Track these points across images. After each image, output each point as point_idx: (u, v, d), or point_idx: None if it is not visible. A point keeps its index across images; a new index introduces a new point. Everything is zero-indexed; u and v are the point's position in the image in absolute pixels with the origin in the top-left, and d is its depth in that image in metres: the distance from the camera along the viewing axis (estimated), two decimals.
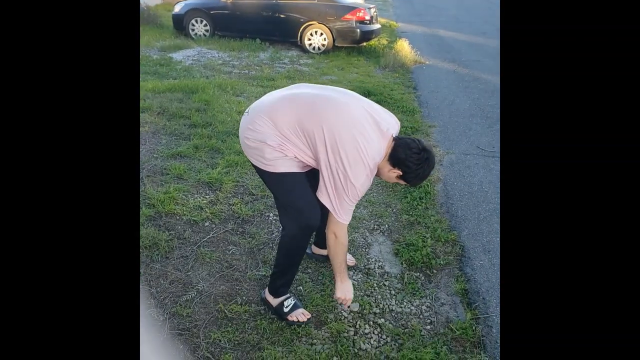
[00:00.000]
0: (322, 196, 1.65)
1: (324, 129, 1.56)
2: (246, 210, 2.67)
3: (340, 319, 1.94)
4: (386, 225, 2.69)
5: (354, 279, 2.20)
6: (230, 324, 1.87)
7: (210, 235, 2.44)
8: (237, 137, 3.66)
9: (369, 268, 2.29)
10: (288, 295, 1.90)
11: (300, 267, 2.04)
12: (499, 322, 1.98)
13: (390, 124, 1.69)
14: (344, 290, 1.87)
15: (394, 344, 1.84)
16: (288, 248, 1.80)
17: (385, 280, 2.22)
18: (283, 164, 1.64)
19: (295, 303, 1.90)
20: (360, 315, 1.98)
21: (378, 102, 4.82)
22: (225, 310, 1.93)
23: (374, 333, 1.89)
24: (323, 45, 7.50)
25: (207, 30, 7.96)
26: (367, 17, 7.42)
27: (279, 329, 1.85)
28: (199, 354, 1.72)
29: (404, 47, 7.52)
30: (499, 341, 1.88)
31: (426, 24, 11.47)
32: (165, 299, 1.98)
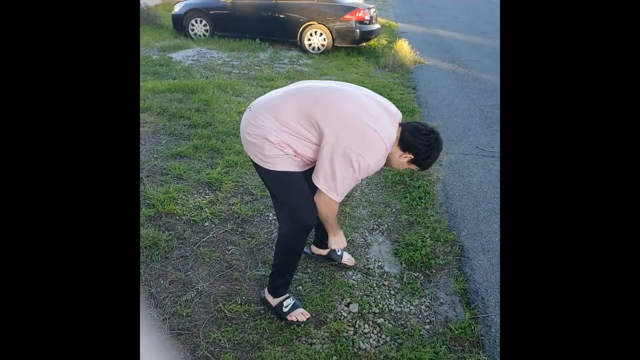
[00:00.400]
0: (320, 177, 1.61)
1: (333, 114, 1.57)
2: (246, 210, 2.67)
3: (339, 319, 1.94)
4: (385, 225, 2.70)
5: (353, 279, 2.20)
6: (229, 324, 1.87)
7: (210, 235, 2.44)
8: (237, 137, 3.67)
9: (369, 268, 2.30)
10: (287, 295, 1.90)
11: (299, 267, 2.05)
12: (497, 321, 1.98)
13: (396, 110, 1.74)
14: (337, 242, 1.90)
15: (393, 344, 1.84)
16: (285, 247, 1.80)
17: (385, 280, 2.22)
18: (282, 162, 1.63)
19: (294, 303, 1.90)
20: (359, 315, 1.98)
21: None
22: (225, 310, 1.93)
23: (373, 333, 1.89)
24: (323, 45, 7.50)
25: (206, 31, 7.97)
26: (367, 17, 7.42)
27: (278, 329, 1.85)
28: (199, 353, 1.72)
29: (403, 47, 7.52)
30: (497, 341, 1.88)
31: (426, 24, 11.47)
32: (165, 298, 1.98)
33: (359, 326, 1.92)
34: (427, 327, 1.95)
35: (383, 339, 1.87)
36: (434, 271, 2.31)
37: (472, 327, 1.94)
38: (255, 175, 3.09)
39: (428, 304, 2.08)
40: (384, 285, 2.19)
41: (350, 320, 1.94)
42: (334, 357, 1.75)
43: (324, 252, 2.25)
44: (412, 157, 1.69)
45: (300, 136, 1.61)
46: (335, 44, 7.47)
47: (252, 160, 1.73)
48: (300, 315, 1.88)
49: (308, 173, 1.71)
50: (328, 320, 1.93)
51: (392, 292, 2.14)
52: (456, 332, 1.91)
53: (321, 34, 7.45)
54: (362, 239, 2.54)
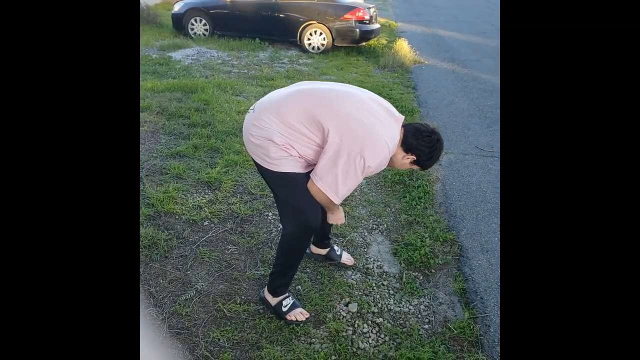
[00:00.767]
0: (321, 176, 1.59)
1: (337, 116, 1.57)
2: (245, 210, 2.67)
3: (338, 318, 1.94)
4: (385, 225, 2.70)
5: (352, 279, 2.20)
6: (229, 323, 1.87)
7: (209, 234, 2.44)
8: (237, 136, 3.67)
9: (368, 268, 2.30)
10: (287, 294, 1.90)
11: (298, 266, 2.04)
12: (496, 321, 1.98)
13: (398, 113, 1.75)
14: (335, 218, 1.89)
15: (392, 343, 1.85)
16: (288, 248, 1.80)
17: (384, 280, 2.22)
18: (287, 163, 1.63)
19: (293, 302, 1.90)
20: (358, 314, 1.98)
21: None
22: (224, 310, 1.93)
23: (372, 332, 1.90)
24: (322, 44, 7.50)
25: (206, 30, 7.96)
26: (367, 17, 7.42)
27: (277, 328, 1.85)
28: (198, 352, 1.72)
29: (403, 47, 7.52)
30: (496, 340, 1.88)
31: (425, 24, 11.47)
32: (165, 298, 1.98)
33: (358, 326, 1.92)
34: (426, 326, 1.95)
35: (382, 338, 1.87)
36: (433, 271, 2.31)
37: (471, 327, 1.94)
38: (255, 174, 3.09)
39: (427, 303, 2.08)
40: (383, 284, 2.19)
41: (349, 320, 1.95)
42: (333, 357, 1.75)
43: (323, 251, 2.25)
44: (415, 158, 1.71)
45: (304, 137, 1.61)
46: (335, 44, 7.47)
47: (254, 162, 1.73)
48: (299, 314, 1.88)
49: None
50: (327, 319, 1.93)
51: (391, 291, 2.14)
52: (455, 331, 1.91)
53: (321, 34, 7.45)
54: (361, 239, 2.54)
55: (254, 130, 1.64)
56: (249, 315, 1.92)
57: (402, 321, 1.97)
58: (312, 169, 1.68)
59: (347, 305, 2.03)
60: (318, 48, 7.54)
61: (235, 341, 1.79)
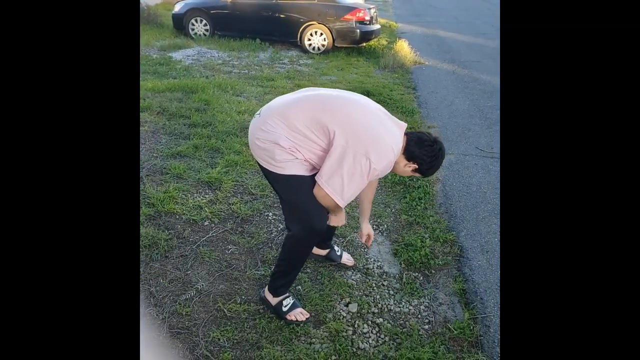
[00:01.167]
0: (327, 179, 1.59)
1: (343, 120, 1.59)
2: (245, 210, 2.68)
3: (338, 319, 1.94)
4: (385, 226, 2.70)
5: (352, 279, 2.20)
6: (229, 323, 1.87)
7: (210, 234, 2.44)
8: (237, 136, 3.68)
9: (368, 268, 2.30)
10: (287, 294, 1.90)
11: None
12: (496, 322, 1.99)
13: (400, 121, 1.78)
14: (336, 220, 1.88)
15: (392, 344, 1.85)
16: (293, 250, 1.80)
17: (384, 280, 2.22)
18: (293, 166, 1.64)
19: (294, 302, 1.90)
20: (358, 314, 1.98)
21: (377, 102, 4.81)
22: (225, 309, 1.93)
23: (372, 332, 1.90)
24: (323, 45, 7.51)
25: (207, 30, 7.97)
26: (367, 18, 7.42)
27: (277, 328, 1.86)
28: (198, 352, 1.73)
29: (403, 48, 7.52)
30: (496, 341, 1.88)
31: (426, 25, 11.48)
32: (165, 297, 1.98)
33: (358, 326, 1.92)
34: (426, 327, 1.95)
35: (382, 338, 1.87)
36: (433, 271, 2.31)
37: (471, 328, 1.94)
38: (255, 175, 3.10)
39: (427, 304, 2.08)
40: (383, 285, 2.19)
41: (350, 320, 1.95)
42: (333, 357, 1.75)
43: (323, 252, 2.26)
44: (417, 166, 1.74)
45: (310, 142, 1.62)
46: (336, 44, 7.48)
47: (260, 165, 1.74)
48: (299, 314, 1.88)
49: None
50: (327, 319, 1.93)
51: (391, 292, 2.15)
52: (455, 332, 1.91)
53: (321, 34, 7.45)
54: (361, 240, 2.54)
55: (260, 134, 1.66)
56: (249, 315, 1.92)
57: (402, 321, 1.97)
58: (318, 172, 1.69)
59: (347, 305, 2.03)
60: (318, 49, 7.54)
61: (235, 341, 1.79)
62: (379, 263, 2.35)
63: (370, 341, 1.85)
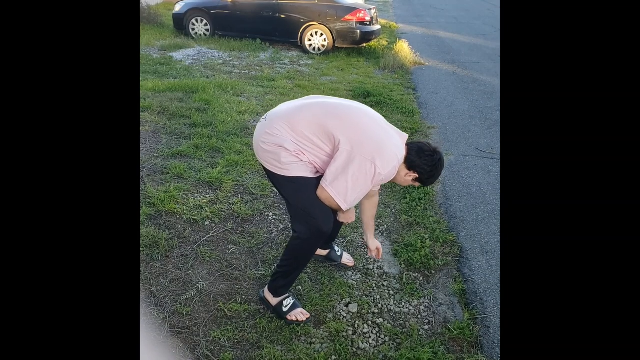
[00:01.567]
0: (332, 182, 1.61)
1: (348, 127, 1.63)
2: (246, 210, 2.68)
3: (338, 319, 1.95)
4: (385, 226, 2.70)
5: (353, 279, 2.21)
6: (229, 323, 1.88)
7: (210, 234, 2.45)
8: (238, 136, 3.68)
9: (368, 268, 2.31)
10: (287, 294, 1.91)
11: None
12: (496, 322, 1.99)
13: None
14: (345, 217, 1.92)
15: (392, 344, 1.85)
16: (298, 251, 1.80)
17: (384, 281, 2.23)
18: (298, 168, 1.65)
19: (294, 302, 1.90)
20: (358, 314, 1.99)
21: (377, 103, 4.86)
22: (225, 309, 1.94)
23: (372, 332, 1.90)
24: (323, 45, 7.51)
25: (207, 30, 7.97)
26: (368, 18, 7.43)
27: (278, 328, 1.86)
28: (199, 352, 1.73)
29: (403, 48, 7.53)
30: (496, 341, 1.89)
31: (426, 25, 11.48)
32: (165, 297, 1.99)
33: (358, 326, 1.92)
34: (426, 327, 1.96)
35: (382, 338, 1.88)
36: (433, 272, 2.31)
37: (471, 328, 1.95)
38: (256, 175, 3.10)
39: (427, 304, 2.09)
40: (384, 285, 2.19)
41: (350, 320, 1.95)
42: (333, 357, 1.76)
43: (324, 252, 2.26)
44: (417, 176, 1.77)
45: (315, 147, 1.65)
46: (336, 45, 7.48)
47: (265, 169, 1.75)
48: (299, 314, 1.89)
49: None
50: (327, 319, 1.93)
51: (392, 292, 2.15)
52: (455, 332, 1.92)
53: (322, 35, 7.46)
54: (361, 240, 2.55)
55: (266, 137, 1.68)
56: (249, 315, 1.92)
57: (402, 322, 1.98)
58: (322, 175, 1.70)
59: (347, 305, 2.03)
60: (319, 49, 7.55)
61: (235, 341, 1.80)
62: (379, 263, 2.35)
63: (371, 341, 1.86)
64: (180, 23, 8.02)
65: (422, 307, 2.07)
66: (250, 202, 2.80)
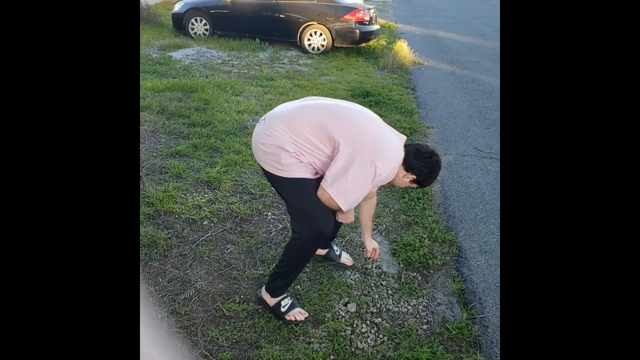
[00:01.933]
0: (332, 183, 1.60)
1: (348, 128, 1.63)
2: (245, 210, 2.68)
3: (337, 318, 1.95)
4: (384, 226, 2.70)
5: (351, 279, 2.21)
6: (228, 323, 1.88)
7: (209, 234, 2.44)
8: (237, 136, 3.68)
9: (367, 268, 2.31)
10: (285, 294, 1.91)
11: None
12: (495, 322, 1.99)
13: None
14: (344, 217, 1.89)
15: (391, 343, 1.85)
16: (297, 252, 1.79)
17: (383, 280, 2.23)
18: (298, 169, 1.65)
19: (292, 302, 1.90)
20: (357, 314, 1.99)
21: (376, 102, 4.86)
22: (223, 309, 1.94)
23: (371, 332, 1.90)
24: (322, 45, 7.51)
25: (206, 30, 7.96)
26: (367, 18, 7.43)
27: (276, 328, 1.86)
28: (197, 352, 1.73)
29: (402, 48, 7.53)
30: (494, 341, 1.89)
31: (425, 25, 11.49)
32: (164, 297, 1.99)
33: (357, 326, 1.92)
34: (425, 327, 1.96)
35: (380, 338, 1.88)
36: (431, 271, 2.32)
37: (470, 328, 1.95)
38: (255, 174, 3.10)
39: (425, 304, 2.09)
40: (382, 285, 2.19)
41: (348, 320, 1.95)
42: (332, 356, 1.76)
43: (322, 252, 2.26)
44: (415, 177, 1.78)
45: (315, 149, 1.65)
46: (335, 45, 7.48)
47: (264, 170, 1.75)
48: (298, 314, 1.88)
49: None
50: (326, 319, 1.93)
51: (390, 292, 2.15)
52: (453, 332, 1.92)
53: (321, 34, 7.46)
54: (360, 239, 2.55)
55: (265, 139, 1.67)
56: (248, 315, 1.92)
57: (400, 321, 1.98)
58: (322, 176, 1.70)
59: (346, 305, 2.03)
60: (318, 49, 7.55)
61: (234, 340, 1.79)
62: (378, 263, 2.35)
63: (369, 341, 1.86)
64: (180, 23, 8.01)
65: (420, 307, 2.07)
66: (249, 201, 2.80)
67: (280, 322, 1.88)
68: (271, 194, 2.87)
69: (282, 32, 7.68)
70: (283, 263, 1.85)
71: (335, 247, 2.29)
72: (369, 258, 2.17)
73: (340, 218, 1.91)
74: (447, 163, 3.62)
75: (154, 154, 3.29)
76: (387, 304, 2.07)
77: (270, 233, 2.50)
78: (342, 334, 1.87)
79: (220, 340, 1.79)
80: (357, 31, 7.34)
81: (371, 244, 2.10)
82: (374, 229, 2.66)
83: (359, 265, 2.32)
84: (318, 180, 1.69)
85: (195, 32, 8.00)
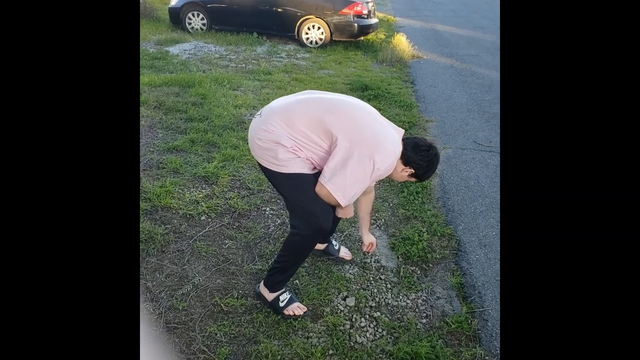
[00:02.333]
0: (330, 178, 1.59)
1: (346, 122, 1.60)
2: (242, 205, 2.67)
3: (336, 313, 1.94)
4: (383, 220, 2.69)
5: (350, 273, 2.20)
6: (226, 318, 1.87)
7: (207, 229, 2.43)
8: (234, 131, 3.66)
9: (365, 262, 2.30)
10: (283, 289, 1.90)
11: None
12: (494, 315, 1.99)
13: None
14: (344, 212, 1.90)
15: (390, 338, 1.85)
16: (296, 247, 1.78)
17: (382, 274, 2.22)
18: (295, 164, 1.63)
19: (290, 297, 1.89)
20: (356, 308, 1.98)
21: (375, 96, 4.84)
22: (221, 304, 1.93)
23: (370, 326, 1.89)
24: (320, 39, 7.47)
25: (204, 24, 7.91)
26: (365, 11, 7.39)
27: (275, 323, 1.85)
28: (195, 347, 1.72)
29: (401, 42, 7.50)
30: (494, 335, 1.89)
31: (424, 19, 11.44)
32: (161, 292, 1.98)
33: (356, 320, 1.92)
34: (424, 321, 1.95)
35: (380, 332, 1.87)
36: (430, 265, 2.31)
37: (469, 321, 1.94)
38: (252, 169, 3.09)
39: (425, 298, 2.08)
40: (381, 279, 2.18)
41: (347, 314, 1.94)
42: (331, 351, 1.75)
43: (321, 246, 2.25)
44: (413, 171, 1.76)
45: (312, 143, 1.63)
46: (333, 38, 7.45)
47: (261, 166, 1.72)
48: (296, 309, 1.88)
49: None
50: (325, 313, 1.93)
51: (389, 286, 2.14)
52: (453, 326, 1.91)
53: (319, 28, 7.42)
54: (359, 233, 2.54)
55: (262, 134, 1.65)
56: (246, 310, 1.91)
57: (399, 315, 1.97)
58: (320, 171, 1.68)
59: (344, 299, 2.03)
60: (316, 42, 7.51)
61: (232, 336, 1.79)
62: (377, 257, 2.34)
63: (368, 335, 1.85)
64: (177, 17, 7.96)
65: (419, 301, 2.06)
66: (247, 196, 2.78)
67: (279, 317, 1.87)
68: (269, 189, 2.86)
69: (279, 26, 7.64)
70: (282, 258, 1.83)
71: (334, 242, 2.28)
72: (367, 252, 2.16)
73: (340, 213, 1.90)
74: (447, 157, 3.61)
75: (151, 149, 3.27)
76: (386, 298, 2.06)
77: (269, 228, 2.49)
78: (341, 328, 1.86)
79: (218, 335, 1.78)
80: (356, 25, 7.31)
81: (368, 238, 2.09)
82: (372, 223, 2.65)
83: (358, 259, 2.31)
84: (316, 175, 1.67)
85: (192, 27, 7.95)
